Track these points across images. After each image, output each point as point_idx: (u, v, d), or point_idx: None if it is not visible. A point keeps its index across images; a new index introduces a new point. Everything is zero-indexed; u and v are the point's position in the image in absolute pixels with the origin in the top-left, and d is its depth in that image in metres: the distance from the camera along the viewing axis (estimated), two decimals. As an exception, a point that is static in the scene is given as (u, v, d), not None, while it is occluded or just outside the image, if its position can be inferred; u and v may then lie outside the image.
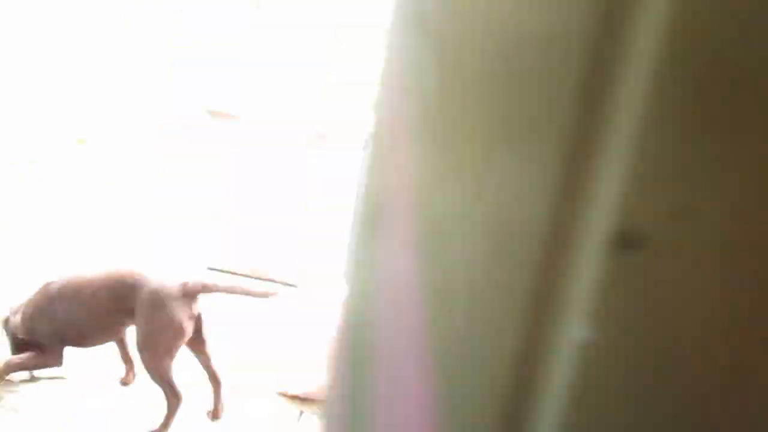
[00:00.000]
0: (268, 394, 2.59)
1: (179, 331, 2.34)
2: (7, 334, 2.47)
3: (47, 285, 2.43)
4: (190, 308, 2.37)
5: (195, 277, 2.43)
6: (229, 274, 3.64)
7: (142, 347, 2.32)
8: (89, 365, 2.62)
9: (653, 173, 0.19)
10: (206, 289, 2.41)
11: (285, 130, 3.63)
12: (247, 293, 2.47)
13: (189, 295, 2.37)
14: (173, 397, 2.33)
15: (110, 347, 2.56)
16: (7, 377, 2.41)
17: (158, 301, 2.33)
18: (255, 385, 2.63)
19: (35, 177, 3.58)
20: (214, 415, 2.50)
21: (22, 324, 2.43)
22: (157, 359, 2.31)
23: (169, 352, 2.34)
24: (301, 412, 2.56)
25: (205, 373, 2.49)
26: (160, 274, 2.39)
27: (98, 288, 2.40)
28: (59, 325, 2.40)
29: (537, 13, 0.22)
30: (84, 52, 3.61)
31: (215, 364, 2.49)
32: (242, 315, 2.92)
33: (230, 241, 3.75)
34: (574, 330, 0.20)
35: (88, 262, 2.91)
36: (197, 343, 2.45)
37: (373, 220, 0.44)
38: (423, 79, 0.35)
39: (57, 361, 2.45)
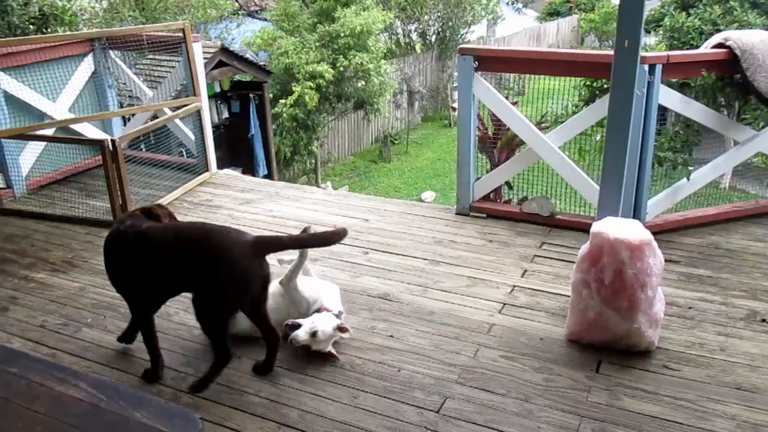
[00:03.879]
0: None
1: (248, 290, 2.37)
2: None
3: None
4: (261, 267, 2.42)
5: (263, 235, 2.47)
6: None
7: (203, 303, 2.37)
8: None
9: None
10: (276, 246, 2.46)
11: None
12: (317, 241, 2.53)
13: (259, 253, 2.37)
14: (223, 355, 2.47)
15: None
16: None
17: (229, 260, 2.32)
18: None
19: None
20: (265, 369, 2.61)
21: None
22: (217, 317, 2.38)
23: (233, 310, 2.41)
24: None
25: (261, 330, 2.54)
26: (231, 231, 2.39)
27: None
28: None
29: None
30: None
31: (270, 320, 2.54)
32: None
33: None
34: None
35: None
36: (257, 302, 2.47)
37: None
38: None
39: None
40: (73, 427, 1.64)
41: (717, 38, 3.95)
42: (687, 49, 8.96)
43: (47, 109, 4.83)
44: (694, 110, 3.88)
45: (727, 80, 3.93)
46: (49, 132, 4.76)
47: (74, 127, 5.00)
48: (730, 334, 2.89)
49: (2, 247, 3.94)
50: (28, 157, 4.76)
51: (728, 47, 3.79)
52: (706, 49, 4.01)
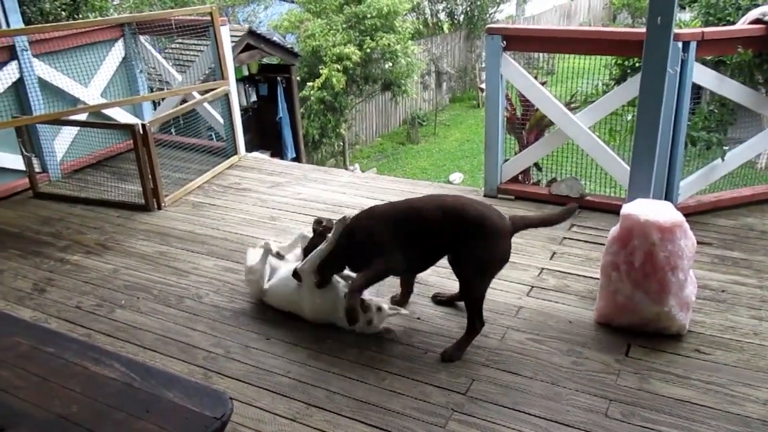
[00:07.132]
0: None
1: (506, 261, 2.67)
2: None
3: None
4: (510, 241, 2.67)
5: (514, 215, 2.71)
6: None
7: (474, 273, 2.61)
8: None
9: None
10: (529, 224, 2.78)
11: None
12: (556, 220, 2.78)
13: (516, 230, 2.67)
14: (479, 322, 2.65)
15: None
16: None
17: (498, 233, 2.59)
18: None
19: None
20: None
21: None
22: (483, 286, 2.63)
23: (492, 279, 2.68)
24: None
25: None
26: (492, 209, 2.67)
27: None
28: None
29: None
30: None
31: None
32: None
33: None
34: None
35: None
36: None
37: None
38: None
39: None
40: (107, 405, 1.69)
41: (754, 14, 3.83)
42: (723, 25, 8.70)
43: (80, 95, 4.90)
44: (730, 88, 3.78)
45: (764, 57, 3.81)
46: (82, 117, 4.84)
47: (106, 111, 5.08)
48: (764, 317, 2.84)
49: (39, 230, 4.04)
50: (62, 141, 4.85)
51: (766, 23, 3.67)
52: (743, 25, 3.90)
